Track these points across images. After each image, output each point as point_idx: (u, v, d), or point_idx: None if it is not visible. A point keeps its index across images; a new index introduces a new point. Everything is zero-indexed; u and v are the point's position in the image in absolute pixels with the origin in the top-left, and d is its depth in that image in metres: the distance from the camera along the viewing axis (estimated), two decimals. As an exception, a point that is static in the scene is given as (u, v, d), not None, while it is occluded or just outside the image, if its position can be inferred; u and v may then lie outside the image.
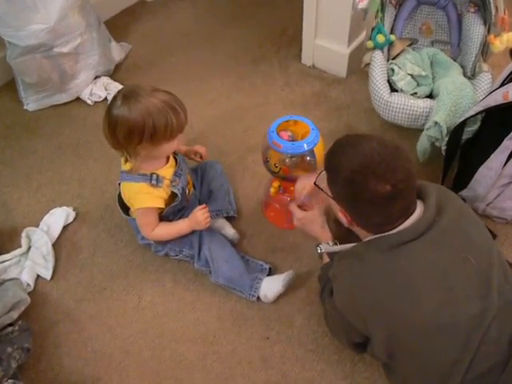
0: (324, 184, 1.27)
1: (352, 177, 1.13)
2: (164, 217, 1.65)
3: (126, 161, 1.55)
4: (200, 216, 1.60)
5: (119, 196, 1.67)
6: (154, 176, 1.53)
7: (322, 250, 1.49)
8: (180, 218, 1.69)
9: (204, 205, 1.64)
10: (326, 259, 1.54)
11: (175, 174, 1.60)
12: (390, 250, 1.15)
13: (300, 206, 1.59)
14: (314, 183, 1.32)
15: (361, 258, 1.21)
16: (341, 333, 1.43)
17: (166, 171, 1.57)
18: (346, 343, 1.45)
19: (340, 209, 1.23)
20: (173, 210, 1.65)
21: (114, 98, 1.43)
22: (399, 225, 1.16)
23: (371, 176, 1.10)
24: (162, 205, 1.58)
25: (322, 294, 1.49)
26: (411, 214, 1.16)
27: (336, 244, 1.49)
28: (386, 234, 1.17)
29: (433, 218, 1.15)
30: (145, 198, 1.54)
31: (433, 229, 1.14)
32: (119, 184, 1.61)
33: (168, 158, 1.60)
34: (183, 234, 1.65)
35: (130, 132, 1.40)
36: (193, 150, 1.81)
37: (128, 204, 1.62)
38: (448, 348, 1.12)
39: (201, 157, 1.81)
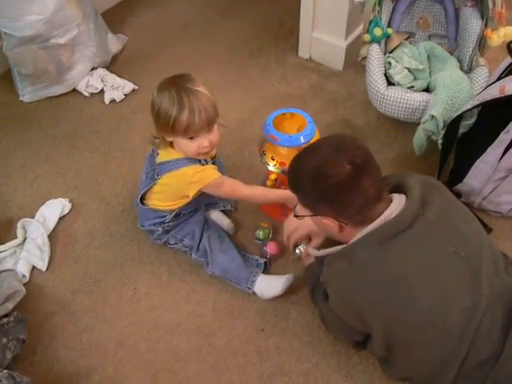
0: (300, 210, 1.29)
1: (312, 175, 1.17)
2: (178, 214, 1.66)
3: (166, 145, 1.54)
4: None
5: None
6: (201, 159, 1.54)
7: (301, 252, 1.49)
8: (195, 213, 1.70)
9: None
10: (308, 260, 1.53)
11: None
12: (379, 246, 1.15)
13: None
14: (295, 216, 1.33)
15: (350, 259, 1.20)
16: (340, 334, 1.44)
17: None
18: (347, 343, 1.45)
19: (324, 218, 1.23)
20: (195, 205, 1.67)
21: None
22: (380, 213, 1.16)
23: (326, 165, 1.14)
24: (219, 174, 1.55)
25: (312, 296, 1.49)
26: (388, 200, 1.18)
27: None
28: (371, 229, 1.16)
29: (417, 210, 1.15)
30: (204, 175, 1.52)
31: (418, 223, 1.14)
32: (158, 178, 1.58)
33: None
34: (272, 201, 1.68)
35: (156, 116, 1.43)
36: None
37: (181, 193, 1.58)
38: (443, 342, 1.12)
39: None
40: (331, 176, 1.13)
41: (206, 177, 1.52)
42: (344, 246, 1.25)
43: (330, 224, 1.22)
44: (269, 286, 1.61)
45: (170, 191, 1.59)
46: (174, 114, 1.38)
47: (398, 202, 1.18)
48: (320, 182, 1.16)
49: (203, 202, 1.71)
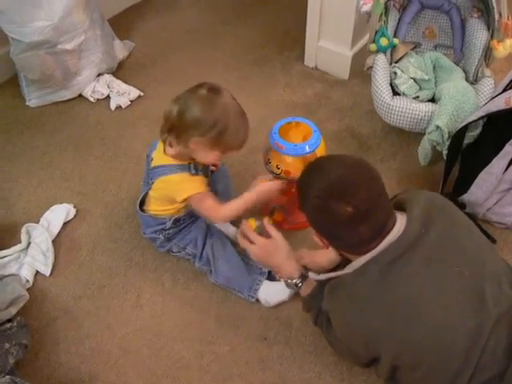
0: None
1: (315, 202, 1.16)
2: (177, 220, 1.66)
3: (171, 146, 1.49)
4: (268, 187, 1.59)
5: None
6: (192, 165, 1.51)
7: (300, 285, 1.47)
8: (196, 220, 1.70)
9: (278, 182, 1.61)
10: (306, 290, 1.48)
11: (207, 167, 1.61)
12: (380, 273, 1.13)
13: (260, 234, 1.53)
14: (299, 208, 1.33)
15: (351, 288, 1.20)
16: (347, 357, 1.43)
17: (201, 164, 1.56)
18: (355, 364, 1.45)
19: (315, 232, 1.25)
20: (190, 214, 1.66)
21: (197, 86, 1.42)
22: (377, 244, 1.14)
23: (330, 200, 1.12)
24: (205, 189, 1.54)
25: (316, 322, 1.46)
26: (389, 231, 1.15)
27: (305, 275, 1.46)
28: (370, 256, 1.15)
29: (418, 231, 1.13)
30: (189, 185, 1.51)
31: (420, 244, 1.13)
32: (152, 182, 1.59)
33: None
34: (250, 205, 1.59)
35: (198, 121, 1.37)
36: None
37: (168, 198, 1.58)
38: (449, 363, 1.11)
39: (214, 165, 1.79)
40: (330, 213, 1.12)
41: (191, 188, 1.52)
42: (345, 273, 1.24)
43: (318, 240, 1.24)
44: (274, 291, 1.61)
45: (163, 196, 1.60)
46: (232, 128, 1.39)
47: (399, 225, 1.16)
48: (319, 212, 1.16)
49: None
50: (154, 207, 1.65)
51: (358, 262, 1.18)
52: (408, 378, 1.24)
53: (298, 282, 1.47)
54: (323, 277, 1.32)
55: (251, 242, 1.51)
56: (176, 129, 1.42)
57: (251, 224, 1.57)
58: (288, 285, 1.50)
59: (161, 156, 1.53)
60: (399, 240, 1.13)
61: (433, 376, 1.15)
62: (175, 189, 1.53)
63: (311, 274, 1.41)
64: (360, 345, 1.23)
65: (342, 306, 1.24)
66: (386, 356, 1.19)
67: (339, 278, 1.25)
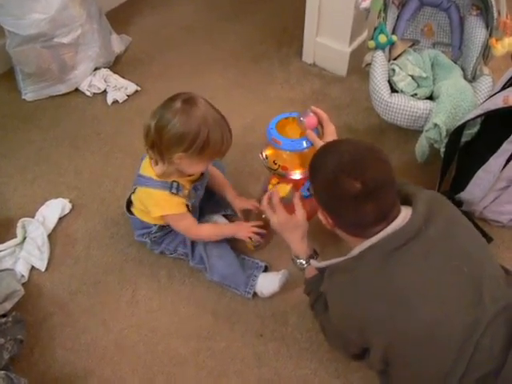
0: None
1: (324, 177, 1.19)
2: (163, 226, 1.66)
3: (156, 163, 1.49)
4: (245, 233, 1.63)
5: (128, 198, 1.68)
6: (175, 184, 1.50)
7: (305, 266, 1.49)
8: None
9: (255, 228, 1.64)
10: (311, 272, 1.50)
11: (194, 187, 1.59)
12: (380, 261, 1.15)
13: (285, 205, 1.53)
14: (309, 187, 1.35)
15: (351, 273, 1.20)
16: (339, 345, 1.44)
17: (187, 181, 1.55)
18: (344, 354, 1.45)
19: (321, 210, 1.26)
20: None
21: (171, 99, 1.39)
22: (380, 230, 1.16)
23: (341, 174, 1.14)
24: (184, 210, 1.55)
25: (313, 308, 1.48)
26: (393, 220, 1.16)
27: (313, 257, 1.49)
28: (372, 242, 1.16)
29: (420, 224, 1.15)
30: (168, 204, 1.52)
31: (420, 238, 1.14)
32: (134, 188, 1.59)
33: None
34: (225, 237, 1.66)
35: (179, 137, 1.36)
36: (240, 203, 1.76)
37: (145, 208, 1.58)
38: (442, 357, 1.11)
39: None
40: (339, 188, 1.14)
41: (167, 207, 1.53)
42: (345, 258, 1.24)
43: (322, 218, 1.26)
44: (266, 283, 1.61)
45: (141, 204, 1.60)
46: (215, 137, 1.38)
47: (403, 216, 1.17)
48: (328, 187, 1.18)
49: (193, 211, 1.68)
50: (137, 211, 1.66)
51: (360, 247, 1.19)
52: (401, 372, 1.24)
53: (303, 262, 1.49)
54: (323, 264, 1.33)
55: (274, 211, 1.51)
56: (157, 147, 1.40)
57: (281, 191, 1.55)
58: (294, 262, 1.52)
59: (148, 166, 1.52)
60: (402, 230, 1.14)
61: (426, 369, 1.15)
62: (151, 203, 1.53)
63: (313, 262, 1.43)
64: (354, 330, 1.24)
65: (340, 289, 1.25)
66: (377, 345, 1.19)
67: (339, 263, 1.26)
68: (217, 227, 1.69)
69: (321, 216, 1.28)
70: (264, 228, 1.67)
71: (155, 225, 1.64)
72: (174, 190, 1.50)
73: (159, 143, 1.39)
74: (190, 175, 1.55)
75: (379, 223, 1.16)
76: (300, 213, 1.48)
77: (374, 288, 1.16)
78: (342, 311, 1.26)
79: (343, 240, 1.30)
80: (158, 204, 1.52)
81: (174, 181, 1.50)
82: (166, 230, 1.67)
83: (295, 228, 1.49)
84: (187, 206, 1.57)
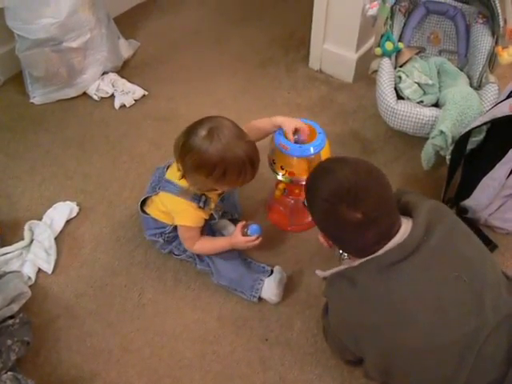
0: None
1: (323, 205, 1.15)
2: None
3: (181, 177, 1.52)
4: (242, 244, 1.61)
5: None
6: (203, 198, 1.53)
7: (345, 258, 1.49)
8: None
9: (253, 237, 1.61)
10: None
11: (221, 198, 1.63)
12: (380, 272, 1.14)
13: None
14: (303, 203, 1.33)
15: (352, 280, 1.20)
16: (335, 348, 1.45)
17: (214, 194, 1.58)
18: (339, 358, 1.47)
19: (320, 232, 1.26)
20: None
21: (199, 123, 1.41)
22: (382, 246, 1.15)
23: (340, 204, 1.11)
24: (201, 224, 1.59)
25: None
26: (394, 236, 1.15)
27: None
28: (374, 255, 1.16)
29: (421, 237, 1.14)
30: (190, 216, 1.55)
31: (421, 249, 1.13)
32: (158, 191, 1.60)
33: None
34: (224, 250, 1.65)
35: (199, 165, 1.39)
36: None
37: (168, 213, 1.60)
38: (442, 367, 1.11)
39: None
40: (339, 218, 1.12)
41: (192, 220, 1.56)
42: (346, 267, 1.25)
43: (323, 242, 1.27)
44: (269, 288, 1.61)
45: (163, 207, 1.61)
46: (242, 174, 1.41)
47: (404, 229, 1.16)
48: (327, 215, 1.16)
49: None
50: (155, 212, 1.66)
51: (360, 260, 1.20)
52: (401, 382, 1.24)
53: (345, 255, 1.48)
54: (328, 273, 1.33)
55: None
56: (182, 169, 1.46)
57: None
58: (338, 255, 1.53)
59: (176, 172, 1.53)
60: (403, 244, 1.13)
61: (426, 380, 1.15)
62: (177, 211, 1.56)
63: (318, 272, 1.41)
64: (350, 337, 1.24)
65: (338, 294, 1.26)
66: (373, 354, 1.19)
67: (341, 270, 1.26)
68: (213, 242, 1.66)
69: (321, 238, 1.29)
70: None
71: (170, 225, 1.65)
72: (201, 204, 1.53)
73: (183, 167, 1.45)
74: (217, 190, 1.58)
75: (380, 243, 1.15)
76: None
77: (371, 299, 1.16)
78: (340, 316, 1.27)
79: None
80: (182, 213, 1.55)
81: (202, 194, 1.53)
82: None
83: None
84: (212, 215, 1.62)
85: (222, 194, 1.63)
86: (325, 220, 1.20)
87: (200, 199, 1.53)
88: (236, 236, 1.61)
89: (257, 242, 1.60)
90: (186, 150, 1.40)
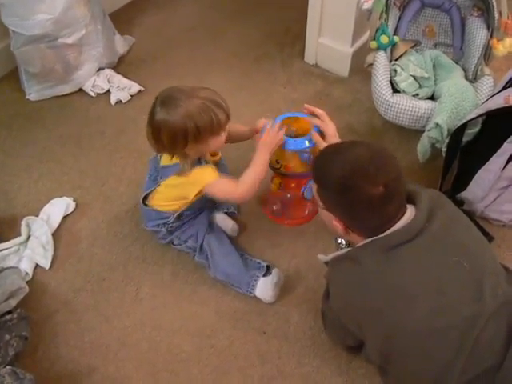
0: (315, 194, 1.28)
1: (344, 183, 1.13)
2: (180, 215, 1.67)
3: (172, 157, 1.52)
4: (272, 137, 1.52)
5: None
6: (202, 160, 1.53)
7: (344, 247, 1.50)
8: (199, 215, 1.73)
9: (275, 128, 1.53)
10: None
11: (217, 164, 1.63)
12: (384, 253, 1.15)
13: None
14: (302, 195, 1.33)
15: (355, 260, 1.20)
16: (335, 334, 1.46)
17: (211, 160, 1.59)
18: (339, 344, 1.47)
19: (334, 217, 1.22)
20: (198, 206, 1.69)
21: (154, 104, 1.44)
22: (390, 227, 1.16)
23: (363, 179, 1.11)
24: (217, 175, 1.52)
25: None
26: (399, 219, 1.16)
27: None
28: (378, 236, 1.16)
29: (424, 222, 1.15)
30: (201, 177, 1.50)
31: (423, 234, 1.14)
32: (161, 180, 1.60)
33: None
34: (266, 165, 1.55)
35: (173, 136, 1.40)
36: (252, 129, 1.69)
37: (183, 196, 1.57)
38: (441, 351, 1.12)
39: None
40: (363, 194, 1.11)
41: (202, 179, 1.51)
42: (349, 249, 1.26)
43: (338, 225, 1.23)
44: (264, 289, 1.61)
45: (174, 192, 1.60)
46: (213, 116, 1.40)
47: (409, 214, 1.17)
48: (349, 194, 1.14)
49: (207, 203, 1.71)
50: (159, 202, 1.66)
51: (363, 241, 1.20)
52: (401, 372, 1.24)
53: (344, 243, 1.52)
54: (330, 257, 1.33)
55: None
56: (166, 149, 1.48)
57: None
58: (335, 242, 1.55)
59: (169, 157, 1.53)
60: (408, 227, 1.14)
61: (425, 363, 1.15)
62: (190, 182, 1.51)
63: (320, 256, 1.39)
64: (352, 320, 1.25)
65: (342, 275, 1.26)
66: (375, 336, 1.20)
67: (344, 253, 1.27)
68: (249, 170, 1.53)
69: (334, 222, 1.23)
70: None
71: (173, 214, 1.65)
72: (203, 163, 1.53)
73: (164, 147, 1.45)
74: (213, 154, 1.60)
75: (392, 221, 1.15)
76: None
77: (373, 280, 1.16)
78: (343, 298, 1.27)
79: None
80: (197, 179, 1.50)
81: (199, 158, 1.53)
82: (182, 220, 1.69)
83: None
84: None
85: (217, 160, 1.64)
86: (341, 200, 1.17)
87: (200, 161, 1.52)
88: (263, 135, 1.53)
89: (281, 132, 1.53)
90: (156, 134, 1.42)
